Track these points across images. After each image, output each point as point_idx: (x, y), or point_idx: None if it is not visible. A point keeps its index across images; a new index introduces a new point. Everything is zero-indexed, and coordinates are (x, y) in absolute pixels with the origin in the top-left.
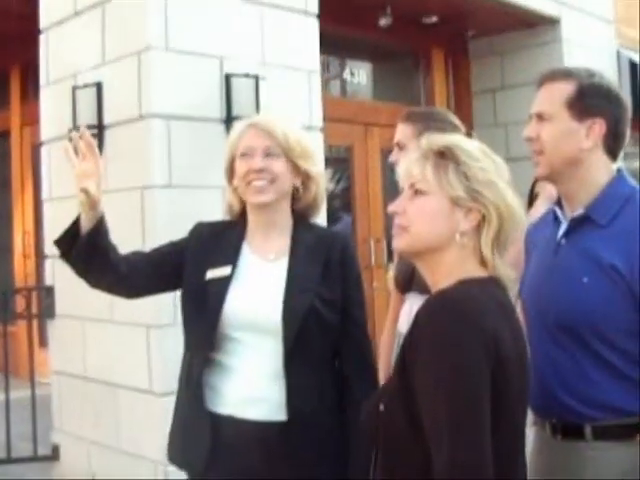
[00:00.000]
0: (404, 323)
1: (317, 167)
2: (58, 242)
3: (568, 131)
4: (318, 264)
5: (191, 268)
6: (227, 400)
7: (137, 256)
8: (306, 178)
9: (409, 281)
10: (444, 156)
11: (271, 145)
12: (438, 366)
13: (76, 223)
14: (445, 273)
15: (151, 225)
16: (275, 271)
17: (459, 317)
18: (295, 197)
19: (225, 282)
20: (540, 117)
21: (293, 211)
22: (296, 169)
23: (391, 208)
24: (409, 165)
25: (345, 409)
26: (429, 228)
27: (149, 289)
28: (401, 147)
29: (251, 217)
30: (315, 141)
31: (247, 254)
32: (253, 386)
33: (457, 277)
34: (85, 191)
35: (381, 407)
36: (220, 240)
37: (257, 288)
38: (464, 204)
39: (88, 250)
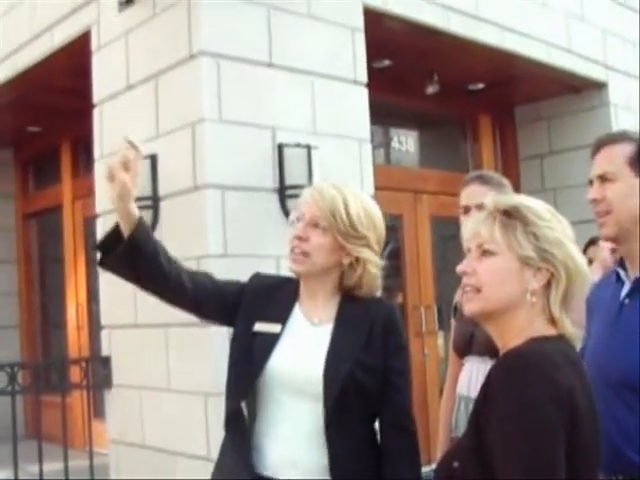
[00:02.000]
0: (464, 386)
1: (367, 250)
2: (99, 247)
3: (633, 188)
4: (362, 332)
5: (243, 316)
6: (267, 461)
7: (207, 279)
8: (354, 259)
9: (468, 344)
10: (511, 216)
11: (318, 216)
12: (514, 424)
13: (117, 232)
14: (515, 333)
15: None
16: (319, 336)
17: (534, 374)
18: (344, 274)
19: (273, 339)
20: (603, 178)
21: (343, 286)
22: (344, 247)
23: (460, 268)
24: (476, 226)
25: (383, 474)
26: (501, 289)
27: (208, 315)
28: (467, 210)
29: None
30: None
31: (297, 315)
32: (290, 449)
33: (527, 336)
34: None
35: (455, 464)
36: (275, 295)
37: (300, 351)
38: (533, 264)
39: (130, 253)
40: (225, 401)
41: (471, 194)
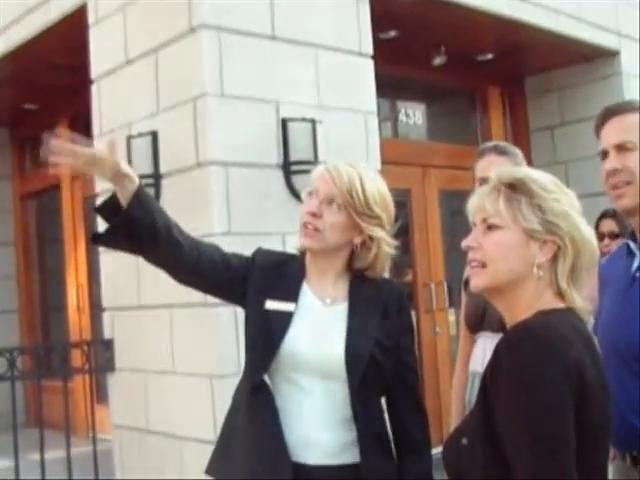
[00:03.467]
0: (477, 362)
1: (382, 230)
2: (98, 210)
3: None
4: (376, 312)
5: (253, 292)
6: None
7: (215, 251)
8: (368, 238)
9: (480, 320)
10: (516, 189)
11: (334, 194)
12: (523, 399)
13: (114, 201)
14: (523, 307)
15: None
16: (333, 316)
17: (542, 347)
18: (355, 254)
19: (287, 318)
20: (621, 148)
21: (352, 267)
22: (357, 226)
23: (465, 243)
24: (481, 200)
25: (399, 452)
26: (507, 263)
27: (212, 288)
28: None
29: (307, 257)
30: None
31: (307, 294)
32: (308, 430)
33: (535, 309)
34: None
35: (463, 441)
36: (283, 272)
37: (316, 331)
38: (539, 237)
39: (124, 228)
40: (244, 377)
41: (488, 165)
